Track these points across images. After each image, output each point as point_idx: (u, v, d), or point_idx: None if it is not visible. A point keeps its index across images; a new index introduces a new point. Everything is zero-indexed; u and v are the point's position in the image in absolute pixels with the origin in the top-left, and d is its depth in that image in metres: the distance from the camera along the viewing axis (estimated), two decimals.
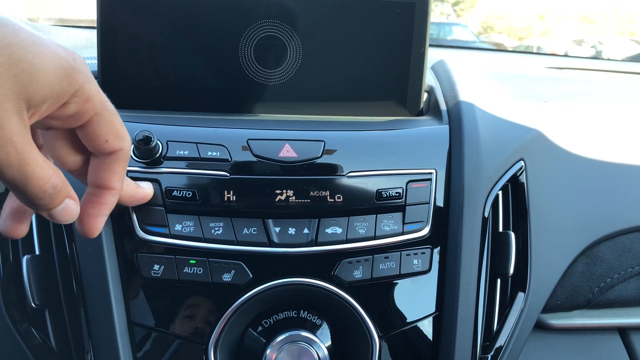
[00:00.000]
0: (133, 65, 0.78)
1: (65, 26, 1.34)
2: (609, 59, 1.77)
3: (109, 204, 0.52)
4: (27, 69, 0.39)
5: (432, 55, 1.01)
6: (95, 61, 0.79)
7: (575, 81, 1.31)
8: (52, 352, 0.69)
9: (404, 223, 0.73)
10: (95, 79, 0.79)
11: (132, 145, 0.69)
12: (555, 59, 1.57)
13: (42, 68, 0.40)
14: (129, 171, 0.69)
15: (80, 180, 0.54)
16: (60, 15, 1.39)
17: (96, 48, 0.78)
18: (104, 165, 0.50)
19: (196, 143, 0.71)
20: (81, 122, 0.46)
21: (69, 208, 0.46)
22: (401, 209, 0.74)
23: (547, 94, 1.12)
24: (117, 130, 0.49)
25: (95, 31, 0.78)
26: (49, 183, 0.42)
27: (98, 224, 0.51)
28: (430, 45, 0.89)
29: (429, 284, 0.75)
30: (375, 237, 0.72)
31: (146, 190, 0.66)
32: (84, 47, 1.05)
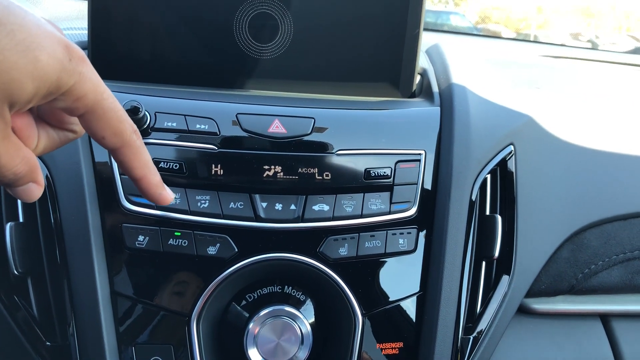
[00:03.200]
0: (123, 37, 0.77)
1: None
2: (605, 50, 1.77)
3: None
4: (16, 77, 0.37)
5: (428, 40, 1.00)
6: (86, 32, 0.78)
7: (570, 70, 1.31)
8: (33, 320, 0.69)
9: (391, 202, 0.73)
10: (85, 49, 0.80)
11: None
12: (551, 47, 1.57)
13: (33, 76, 0.38)
14: None
15: None
16: None
17: (87, 18, 0.77)
18: (119, 157, 0.49)
19: (185, 115, 0.70)
20: (73, 115, 0.45)
21: (29, 190, 0.46)
22: (389, 188, 0.73)
23: (541, 81, 1.12)
24: (114, 127, 0.47)
25: (86, 2, 0.77)
26: (11, 171, 0.42)
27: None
28: (426, 30, 0.89)
29: (414, 263, 0.75)
30: (362, 216, 0.72)
31: (169, 193, 0.56)
32: (76, 17, 1.04)
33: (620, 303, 0.92)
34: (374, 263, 0.73)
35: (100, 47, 0.77)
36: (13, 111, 0.40)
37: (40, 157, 0.68)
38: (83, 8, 1.14)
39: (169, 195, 0.55)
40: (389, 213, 0.73)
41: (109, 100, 0.46)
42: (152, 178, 0.53)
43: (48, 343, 0.69)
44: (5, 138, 0.41)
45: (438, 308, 0.73)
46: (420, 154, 0.75)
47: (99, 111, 0.45)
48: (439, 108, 0.80)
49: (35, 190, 0.46)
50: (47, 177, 0.68)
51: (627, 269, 0.89)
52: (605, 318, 0.92)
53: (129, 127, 0.48)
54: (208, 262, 0.69)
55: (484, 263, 0.79)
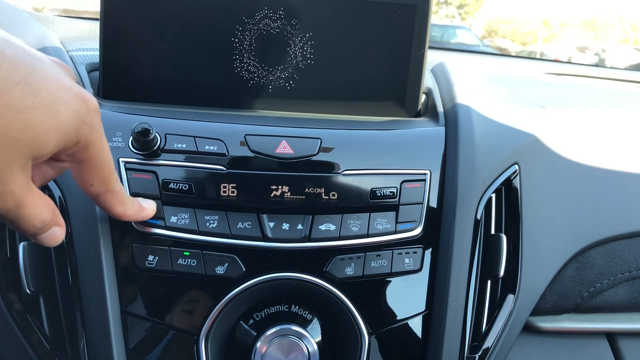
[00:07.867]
0: (134, 58, 0.79)
1: (69, 17, 1.35)
2: (611, 67, 1.78)
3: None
4: (41, 132, 0.39)
5: (433, 58, 1.01)
6: (98, 52, 0.80)
7: (574, 88, 1.32)
8: (45, 338, 0.69)
9: (397, 222, 0.74)
10: (96, 70, 0.82)
11: (130, 139, 0.70)
12: (556, 65, 1.58)
13: (55, 129, 0.40)
14: (126, 162, 0.70)
15: None
16: (65, 6, 1.40)
17: (99, 39, 0.78)
18: (100, 201, 0.54)
19: (194, 137, 0.72)
20: (74, 160, 0.47)
21: (54, 234, 0.48)
22: (395, 208, 0.74)
23: (545, 99, 1.13)
24: (104, 178, 0.50)
25: (98, 23, 0.78)
26: (39, 219, 0.45)
27: None
28: (431, 48, 0.90)
29: (420, 283, 0.75)
30: (368, 235, 0.73)
31: (149, 210, 0.66)
32: (87, 38, 1.06)
33: (627, 321, 0.92)
34: (380, 282, 0.74)
35: (112, 68, 0.79)
36: (33, 163, 0.42)
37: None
38: (94, 28, 1.16)
39: (149, 209, 0.66)
40: (395, 232, 0.74)
41: (108, 152, 0.49)
42: (131, 210, 0.59)
43: None
44: (30, 191, 0.43)
45: (444, 327, 0.74)
46: (425, 174, 0.76)
47: (97, 161, 0.48)
48: (443, 128, 0.81)
49: (59, 233, 0.49)
50: (59, 197, 0.70)
51: (632, 288, 0.89)
52: (611, 336, 0.92)
53: (116, 176, 0.52)
54: (216, 281, 0.70)
55: (489, 282, 0.79)
